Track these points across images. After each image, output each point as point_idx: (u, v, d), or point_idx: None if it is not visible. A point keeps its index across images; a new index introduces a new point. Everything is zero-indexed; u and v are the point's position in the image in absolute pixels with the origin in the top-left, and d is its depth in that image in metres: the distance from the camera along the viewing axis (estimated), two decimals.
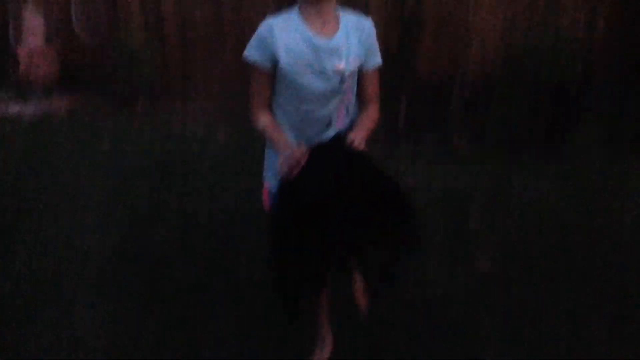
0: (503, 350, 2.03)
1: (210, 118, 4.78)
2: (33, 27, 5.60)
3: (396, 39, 3.93)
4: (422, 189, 3.12)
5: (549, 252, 2.61)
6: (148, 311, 2.25)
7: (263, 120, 1.76)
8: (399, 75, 3.84)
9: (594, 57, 3.84)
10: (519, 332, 2.12)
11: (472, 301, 2.28)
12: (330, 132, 1.75)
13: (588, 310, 2.21)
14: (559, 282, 2.40)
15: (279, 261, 1.65)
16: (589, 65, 3.81)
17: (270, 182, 1.82)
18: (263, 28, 1.67)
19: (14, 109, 5.15)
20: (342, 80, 1.67)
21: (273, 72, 1.70)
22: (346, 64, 1.66)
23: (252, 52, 1.69)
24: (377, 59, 1.77)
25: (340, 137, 1.68)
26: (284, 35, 1.65)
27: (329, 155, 1.64)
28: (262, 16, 1.74)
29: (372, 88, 1.81)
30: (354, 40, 1.68)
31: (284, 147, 1.67)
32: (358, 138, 1.66)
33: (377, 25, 1.79)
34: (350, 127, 1.77)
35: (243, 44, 1.73)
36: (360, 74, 1.76)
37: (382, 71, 1.83)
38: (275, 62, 1.66)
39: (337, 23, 1.67)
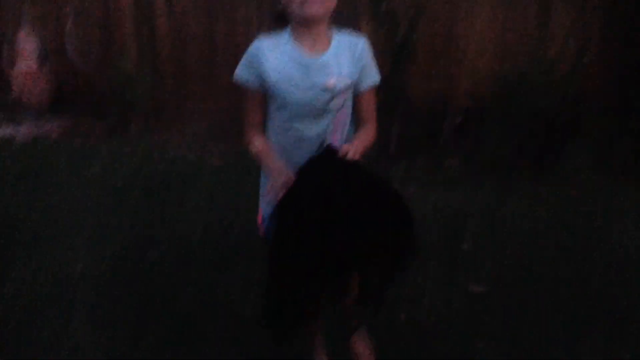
0: None
1: (203, 141, 4.80)
2: (26, 49, 5.61)
3: (388, 63, 3.99)
4: (413, 211, 3.12)
5: (542, 274, 2.62)
6: (141, 333, 2.23)
7: (255, 142, 1.76)
8: (391, 99, 3.88)
9: (584, 84, 3.90)
10: (513, 354, 2.13)
11: (466, 323, 2.29)
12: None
13: (582, 332, 2.22)
14: (552, 304, 2.41)
15: (276, 285, 1.64)
16: (579, 92, 3.87)
17: (264, 207, 1.83)
18: (252, 48, 1.70)
19: (6, 131, 5.14)
20: (332, 97, 1.67)
21: (264, 93, 1.71)
22: (337, 80, 1.66)
23: (241, 73, 1.71)
24: (373, 78, 1.76)
25: (333, 150, 1.65)
26: (272, 54, 1.66)
27: (324, 168, 1.62)
28: (255, 39, 1.76)
29: (369, 108, 1.79)
30: (345, 58, 1.68)
31: (274, 171, 1.67)
32: (352, 148, 1.64)
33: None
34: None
35: (236, 67, 1.75)
36: (356, 93, 1.75)
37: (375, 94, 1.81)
38: (264, 82, 1.67)
39: (329, 42, 1.68)
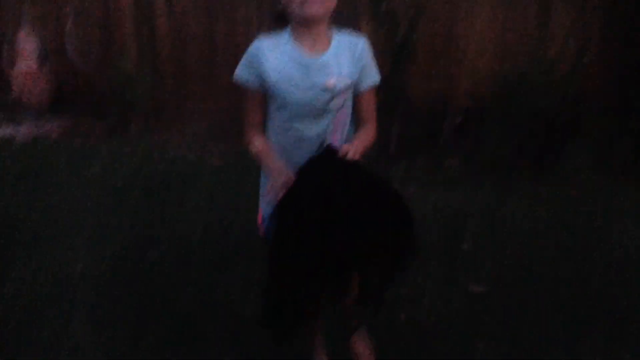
0: None
1: (203, 141, 4.80)
2: (26, 49, 5.62)
3: (388, 63, 3.99)
4: (413, 211, 3.12)
5: (541, 274, 2.63)
6: (141, 333, 2.23)
7: (255, 143, 1.76)
8: (391, 99, 3.88)
9: (584, 84, 3.91)
10: (512, 354, 2.13)
11: (466, 323, 2.29)
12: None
13: (582, 332, 2.22)
14: (551, 304, 2.41)
15: (276, 285, 1.63)
16: (579, 92, 3.87)
17: (264, 207, 1.83)
18: (252, 48, 1.70)
19: (6, 131, 5.14)
20: (332, 97, 1.67)
21: (264, 93, 1.71)
22: (337, 80, 1.66)
23: (241, 72, 1.72)
24: (373, 78, 1.76)
25: (333, 150, 1.65)
26: (272, 54, 1.67)
27: (323, 168, 1.62)
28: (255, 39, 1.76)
29: (369, 108, 1.79)
30: (345, 58, 1.68)
31: (274, 171, 1.67)
32: (352, 148, 1.64)
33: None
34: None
35: (236, 68, 1.75)
36: (356, 93, 1.75)
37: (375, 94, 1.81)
38: (264, 82, 1.68)
39: (329, 42, 1.69)
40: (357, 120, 1.81)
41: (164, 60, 5.40)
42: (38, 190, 3.64)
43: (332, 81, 1.65)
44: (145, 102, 5.10)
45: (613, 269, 2.66)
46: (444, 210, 3.26)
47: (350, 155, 1.62)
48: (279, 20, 1.70)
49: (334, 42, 1.69)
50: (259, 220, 1.86)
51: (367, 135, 1.77)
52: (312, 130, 1.70)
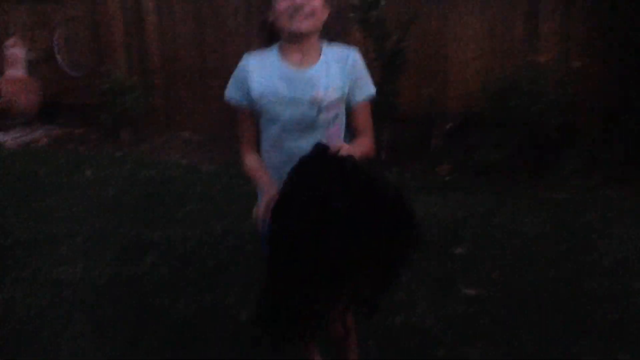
0: None
1: (194, 148, 4.81)
2: (16, 57, 5.61)
3: (379, 72, 4.03)
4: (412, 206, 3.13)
5: (535, 279, 2.64)
6: (136, 343, 2.22)
7: (248, 161, 1.74)
8: (381, 107, 3.91)
9: (573, 90, 3.96)
10: (508, 357, 2.14)
11: (461, 326, 2.30)
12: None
13: (577, 335, 2.23)
14: (546, 307, 2.43)
15: (274, 286, 1.61)
16: (568, 99, 3.92)
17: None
18: (239, 66, 1.68)
19: None
20: (319, 111, 1.63)
21: (253, 110, 1.69)
22: (324, 93, 1.62)
23: (230, 92, 1.71)
24: (366, 90, 1.72)
25: (324, 147, 1.56)
26: (258, 70, 1.66)
27: (316, 167, 1.54)
28: (246, 47, 1.76)
29: (363, 120, 1.73)
30: (335, 71, 1.65)
31: (266, 189, 1.63)
32: (346, 146, 1.58)
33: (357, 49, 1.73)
34: None
35: (227, 76, 1.74)
36: (350, 106, 1.71)
37: None
38: (251, 99, 1.66)
39: (319, 55, 1.66)
40: (353, 135, 1.76)
41: (155, 68, 5.41)
42: (28, 197, 3.61)
43: (318, 94, 1.63)
44: (136, 109, 5.10)
45: (608, 272, 2.68)
46: (436, 215, 3.28)
47: (343, 152, 1.54)
48: (269, 35, 1.68)
49: (323, 55, 1.66)
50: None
51: (362, 147, 1.70)
52: (303, 145, 1.62)
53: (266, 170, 1.70)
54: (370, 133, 1.75)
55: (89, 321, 2.36)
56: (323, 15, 1.63)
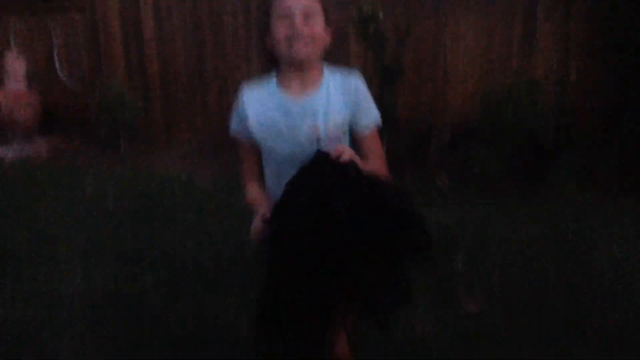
0: None
1: (192, 160, 4.81)
2: (15, 70, 5.63)
3: (377, 84, 4.05)
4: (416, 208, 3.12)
5: (532, 288, 2.65)
6: (133, 356, 2.22)
7: (249, 191, 1.71)
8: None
9: (568, 100, 3.98)
10: None
11: (459, 338, 2.30)
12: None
13: (574, 345, 2.24)
14: (544, 318, 2.43)
15: (275, 293, 1.57)
16: (564, 109, 3.94)
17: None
18: (239, 100, 1.63)
19: None
20: (318, 142, 1.56)
21: (254, 142, 1.64)
22: (323, 125, 1.56)
23: (233, 126, 1.68)
24: (371, 118, 1.63)
25: (324, 154, 1.52)
26: (255, 104, 1.61)
27: (317, 173, 1.50)
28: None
29: (374, 149, 1.64)
30: (336, 100, 1.58)
31: (261, 210, 1.57)
32: (348, 149, 1.49)
33: (358, 70, 1.67)
34: None
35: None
36: (356, 136, 1.63)
37: None
38: (250, 133, 1.62)
39: (320, 82, 1.59)
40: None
41: (153, 81, 5.44)
42: (28, 210, 3.62)
43: (317, 126, 1.55)
44: (135, 122, 5.12)
45: (606, 280, 2.69)
46: (433, 227, 3.28)
47: (344, 157, 1.47)
48: (269, 61, 1.60)
49: (324, 83, 1.59)
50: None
51: (373, 165, 1.59)
52: None
53: (268, 201, 1.61)
54: (383, 161, 1.67)
55: (86, 334, 2.36)
56: (324, 40, 1.58)
